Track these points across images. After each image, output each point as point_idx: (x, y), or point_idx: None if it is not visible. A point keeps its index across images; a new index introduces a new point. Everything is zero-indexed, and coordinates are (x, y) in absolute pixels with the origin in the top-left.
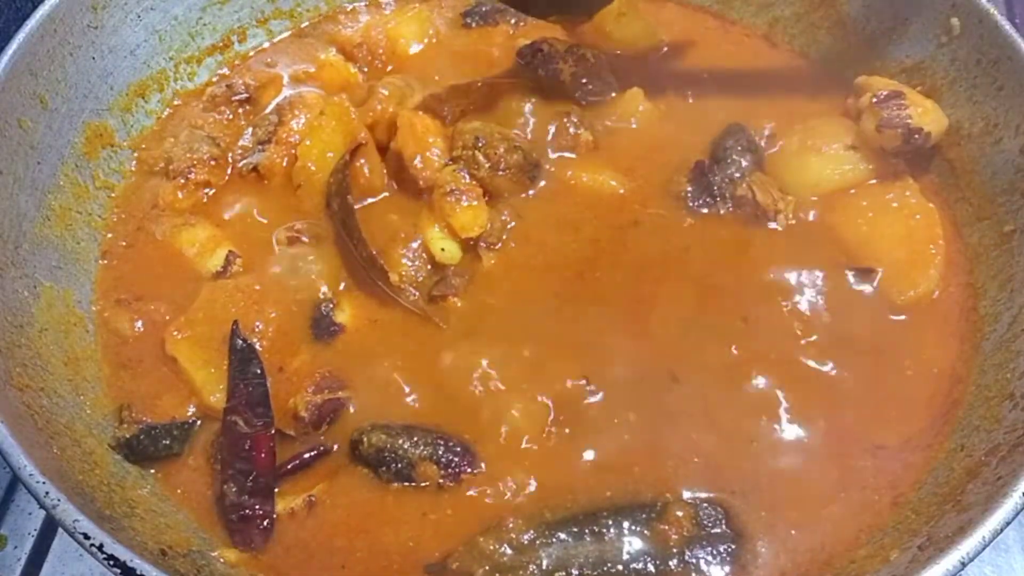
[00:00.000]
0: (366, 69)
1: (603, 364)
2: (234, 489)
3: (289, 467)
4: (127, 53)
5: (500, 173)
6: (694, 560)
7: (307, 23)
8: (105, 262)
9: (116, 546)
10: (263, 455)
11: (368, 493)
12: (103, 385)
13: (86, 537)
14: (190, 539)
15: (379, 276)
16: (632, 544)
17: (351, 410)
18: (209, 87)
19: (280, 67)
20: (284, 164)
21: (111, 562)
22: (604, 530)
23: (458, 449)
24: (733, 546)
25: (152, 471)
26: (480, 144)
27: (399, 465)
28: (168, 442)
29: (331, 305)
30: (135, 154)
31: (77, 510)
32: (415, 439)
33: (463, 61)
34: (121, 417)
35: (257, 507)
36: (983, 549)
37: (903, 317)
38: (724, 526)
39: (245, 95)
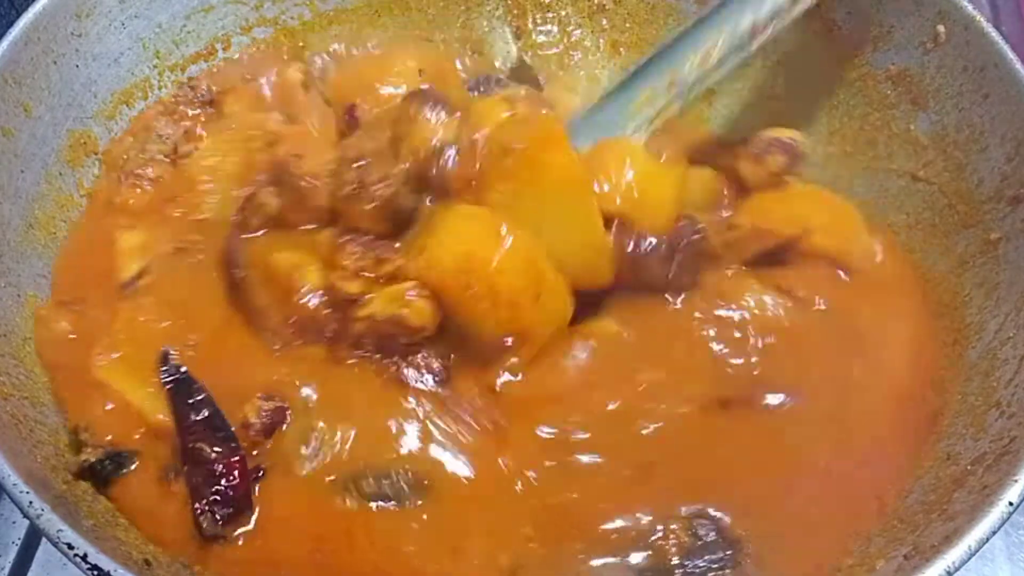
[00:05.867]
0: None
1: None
2: (211, 517)
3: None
4: (111, 61)
5: (365, 206)
6: (695, 570)
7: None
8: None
9: (100, 556)
10: (235, 478)
11: (340, 516)
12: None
13: (70, 547)
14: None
15: None
16: (632, 565)
17: (288, 425)
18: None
19: (237, 78)
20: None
21: (95, 572)
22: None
23: (415, 482)
24: (730, 552)
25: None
26: (359, 164)
27: (367, 494)
28: (132, 467)
29: None
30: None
31: (61, 520)
32: (378, 474)
33: None
34: (80, 440)
35: (233, 531)
36: (969, 558)
37: (887, 326)
38: (716, 535)
39: (207, 98)
